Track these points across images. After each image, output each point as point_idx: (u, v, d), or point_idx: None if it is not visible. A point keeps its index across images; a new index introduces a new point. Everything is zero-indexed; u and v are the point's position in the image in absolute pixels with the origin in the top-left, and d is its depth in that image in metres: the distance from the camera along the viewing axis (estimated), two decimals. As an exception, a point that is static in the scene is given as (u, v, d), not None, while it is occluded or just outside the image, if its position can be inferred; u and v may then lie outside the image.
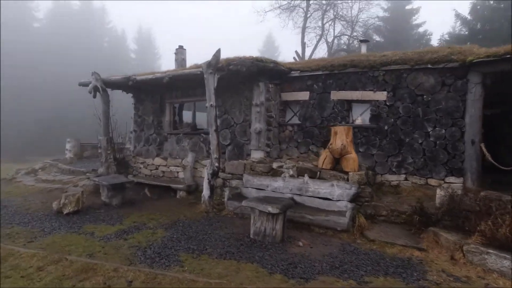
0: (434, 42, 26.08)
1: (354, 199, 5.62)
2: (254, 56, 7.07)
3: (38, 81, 30.92)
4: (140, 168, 9.33)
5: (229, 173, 7.28)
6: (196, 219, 6.14)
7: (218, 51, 6.49)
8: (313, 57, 20.05)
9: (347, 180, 5.96)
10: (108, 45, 41.87)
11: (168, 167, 8.58)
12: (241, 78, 7.50)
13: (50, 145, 26.58)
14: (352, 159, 6.02)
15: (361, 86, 7.17)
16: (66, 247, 4.72)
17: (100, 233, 5.37)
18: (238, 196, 6.70)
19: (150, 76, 7.99)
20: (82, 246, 4.77)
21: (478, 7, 20.97)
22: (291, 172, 6.36)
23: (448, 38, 24.24)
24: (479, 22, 21.32)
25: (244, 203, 5.10)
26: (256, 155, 7.64)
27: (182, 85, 8.62)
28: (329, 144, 6.33)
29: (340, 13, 20.66)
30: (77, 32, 36.16)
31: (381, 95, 6.95)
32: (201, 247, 4.65)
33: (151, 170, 9.01)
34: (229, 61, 6.77)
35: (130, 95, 10.58)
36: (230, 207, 6.43)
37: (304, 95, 7.88)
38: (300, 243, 4.84)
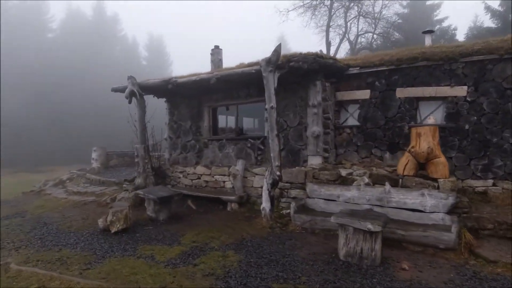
0: (460, 37, 25.09)
1: (451, 210, 4.83)
2: (314, 52, 6.36)
3: (51, 90, 30.81)
4: (179, 178, 8.67)
5: (286, 182, 6.55)
6: (262, 236, 5.41)
7: (279, 46, 5.81)
8: (337, 55, 19.30)
9: (437, 188, 5.17)
10: (120, 53, 41.83)
11: (213, 176, 7.89)
12: (296, 77, 6.80)
13: (67, 154, 26.28)
14: (441, 164, 5.23)
15: (435, 81, 6.39)
16: (130, 276, 4.04)
17: (161, 256, 4.68)
18: (303, 208, 5.96)
19: (193, 78, 7.34)
20: (149, 274, 4.08)
21: (510, -2, 19.96)
22: (366, 180, 5.59)
23: (475, 32, 23.27)
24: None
25: (333, 219, 4.34)
26: (314, 161, 6.91)
27: (224, 87, 7.96)
28: (410, 147, 5.55)
29: (365, 9, 19.88)
30: (90, 41, 36.14)
31: (460, 90, 6.16)
32: (291, 275, 3.91)
33: (192, 179, 8.34)
34: (289, 58, 6.08)
35: (163, 100, 10.00)
36: (297, 221, 5.70)
37: (364, 94, 7.12)
38: (405, 266, 4.07)
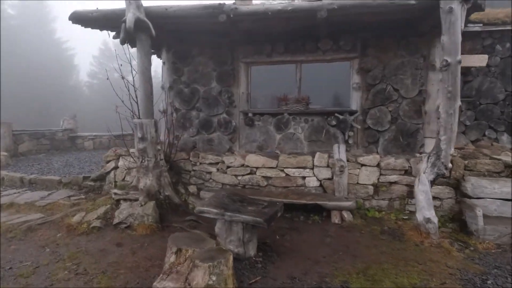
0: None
1: None
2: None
3: None
4: (209, 173, 5.48)
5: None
6: (482, 271, 3.31)
7: (482, -39, 3.58)
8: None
9: None
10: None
11: (282, 170, 5.12)
12: (411, 27, 4.74)
13: None
14: None
15: None
16: None
17: None
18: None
19: (278, 7, 4.30)
20: None
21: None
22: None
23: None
24: None
25: None
26: (436, 145, 5.09)
27: (276, 33, 5.22)
28: None
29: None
30: None
31: None
32: None
33: (237, 175, 5.32)
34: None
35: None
36: (489, 235, 3.83)
37: (479, 60, 5.63)
38: None
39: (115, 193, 4.84)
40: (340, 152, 4.79)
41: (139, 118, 5.10)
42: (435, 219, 3.91)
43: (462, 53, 5.39)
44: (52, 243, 4.05)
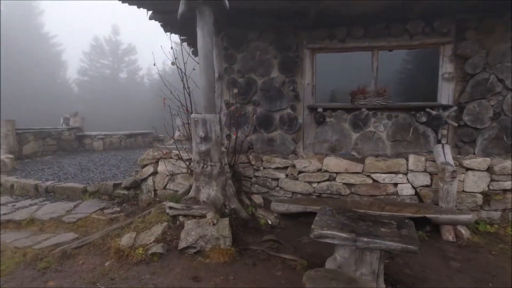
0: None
1: None
2: None
3: None
4: (277, 179, 4.57)
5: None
6: None
7: None
8: None
9: None
10: None
11: (368, 176, 4.27)
12: None
13: None
14: None
15: None
16: None
17: None
18: None
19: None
20: None
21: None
22: None
23: None
24: None
25: None
26: (546, 145, 4.37)
27: (354, 14, 4.38)
28: None
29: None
30: None
31: None
32: None
33: (312, 183, 4.43)
34: None
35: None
36: None
37: None
38: None
39: (171, 207, 3.87)
40: (446, 154, 3.98)
41: (191, 112, 4.16)
42: None
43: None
44: (103, 276, 3.08)
